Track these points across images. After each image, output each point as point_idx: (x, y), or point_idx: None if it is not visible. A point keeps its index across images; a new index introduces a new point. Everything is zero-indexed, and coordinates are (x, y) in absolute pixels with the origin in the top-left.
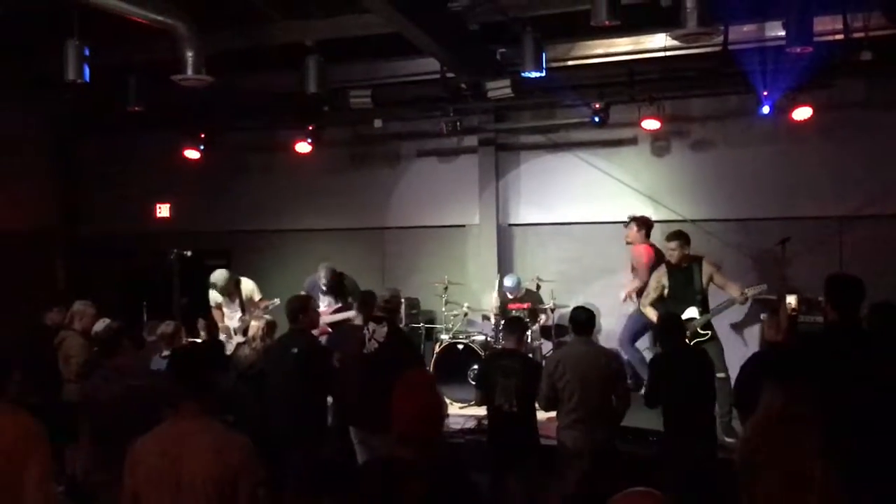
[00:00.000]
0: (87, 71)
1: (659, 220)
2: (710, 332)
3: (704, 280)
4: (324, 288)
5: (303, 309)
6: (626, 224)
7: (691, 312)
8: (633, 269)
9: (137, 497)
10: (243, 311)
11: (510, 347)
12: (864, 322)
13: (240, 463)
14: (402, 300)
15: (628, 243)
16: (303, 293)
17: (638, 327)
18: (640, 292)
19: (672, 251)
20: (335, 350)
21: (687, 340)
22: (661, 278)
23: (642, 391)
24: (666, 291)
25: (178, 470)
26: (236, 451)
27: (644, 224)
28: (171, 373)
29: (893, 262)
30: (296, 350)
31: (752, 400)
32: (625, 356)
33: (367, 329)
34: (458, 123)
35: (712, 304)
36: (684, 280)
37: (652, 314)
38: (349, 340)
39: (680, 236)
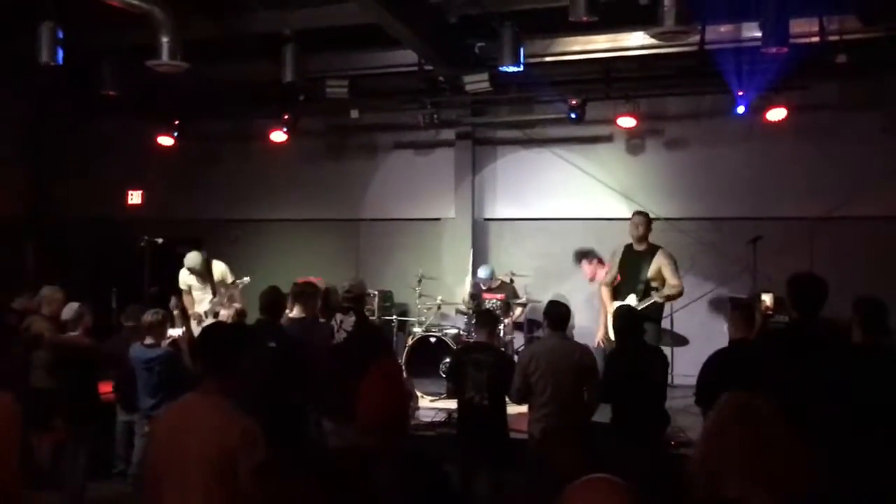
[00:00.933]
0: (60, 53)
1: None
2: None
3: (652, 270)
4: None
5: (281, 301)
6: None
7: (630, 300)
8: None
9: (152, 467)
10: (214, 293)
11: (482, 341)
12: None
13: (239, 443)
14: (370, 290)
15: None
16: (275, 285)
17: None
18: None
19: (637, 225)
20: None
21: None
22: (616, 258)
23: None
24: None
25: (182, 444)
26: (236, 432)
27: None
28: (196, 349)
29: (863, 263)
30: (273, 344)
31: (711, 396)
32: None
33: (335, 320)
34: (436, 116)
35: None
36: (632, 265)
37: (605, 295)
38: (317, 332)
39: (646, 215)
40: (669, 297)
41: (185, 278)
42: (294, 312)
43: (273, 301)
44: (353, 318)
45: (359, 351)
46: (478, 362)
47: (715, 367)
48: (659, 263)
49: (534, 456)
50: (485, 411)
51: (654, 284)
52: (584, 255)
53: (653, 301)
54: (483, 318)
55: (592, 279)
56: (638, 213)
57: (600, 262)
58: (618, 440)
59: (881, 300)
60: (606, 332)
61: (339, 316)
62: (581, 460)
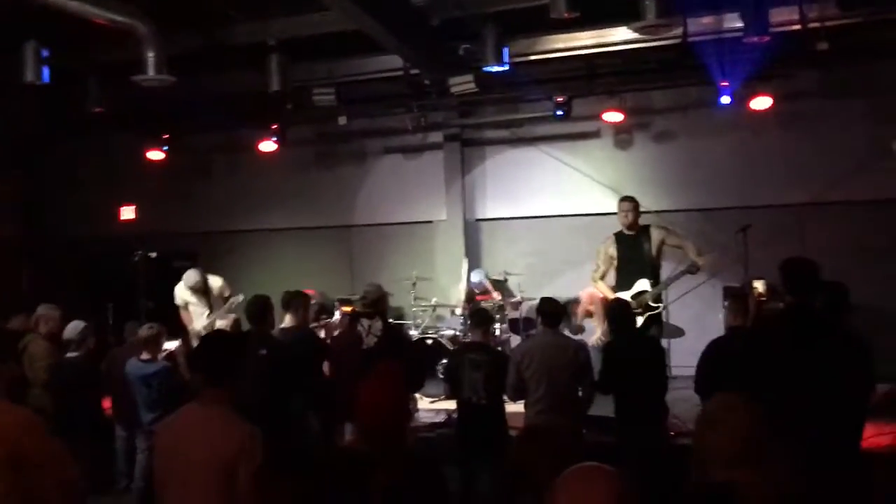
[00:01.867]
0: (45, 72)
1: None
2: (660, 305)
3: (654, 247)
4: None
5: (268, 309)
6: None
7: (642, 285)
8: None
9: (158, 479)
10: (211, 308)
11: (477, 340)
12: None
13: (240, 449)
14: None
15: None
16: (264, 294)
17: None
18: None
19: (623, 212)
20: (329, 348)
21: (639, 312)
22: (608, 249)
23: None
24: (615, 263)
25: (185, 452)
26: (237, 438)
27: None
28: (194, 360)
29: (853, 247)
30: (264, 352)
31: (711, 384)
32: None
33: (362, 325)
34: (423, 119)
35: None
36: (633, 249)
37: (602, 288)
38: (344, 337)
39: (632, 199)
40: (691, 268)
41: (183, 295)
42: (285, 322)
43: (259, 310)
44: (380, 323)
45: (391, 354)
46: (474, 362)
47: (713, 355)
48: (660, 237)
49: (513, 456)
50: (483, 411)
51: (657, 263)
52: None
53: (671, 277)
54: (477, 317)
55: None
56: (626, 199)
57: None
58: (618, 432)
59: (807, 259)
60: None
61: (365, 321)
62: (556, 463)
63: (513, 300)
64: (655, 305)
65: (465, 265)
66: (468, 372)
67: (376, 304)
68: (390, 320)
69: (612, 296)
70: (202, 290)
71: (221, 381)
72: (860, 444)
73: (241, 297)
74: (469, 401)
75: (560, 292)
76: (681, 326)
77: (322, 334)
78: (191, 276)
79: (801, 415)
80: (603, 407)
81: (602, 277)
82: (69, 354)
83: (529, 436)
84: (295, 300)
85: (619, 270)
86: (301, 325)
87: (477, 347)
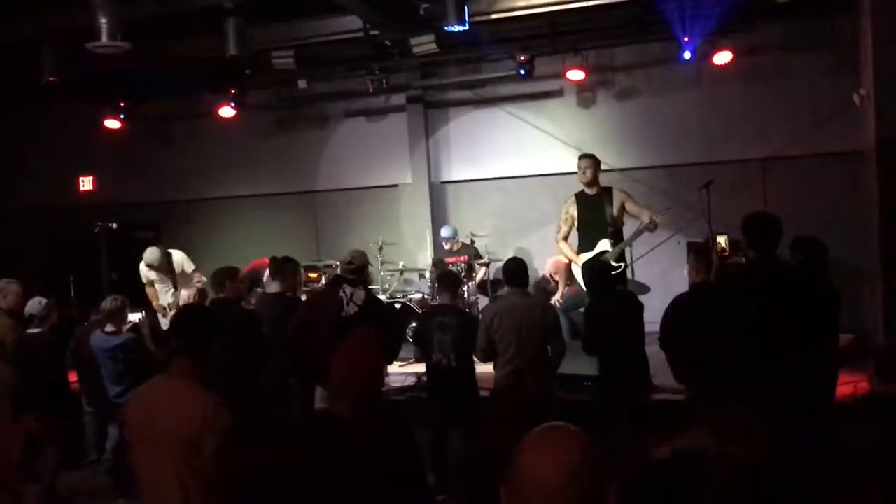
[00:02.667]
0: None
1: None
2: (623, 264)
3: (615, 209)
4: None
5: (230, 277)
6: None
7: (603, 245)
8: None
9: (132, 452)
10: (175, 285)
11: (445, 303)
12: (789, 256)
13: (203, 419)
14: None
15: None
16: (232, 265)
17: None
18: None
19: (581, 169)
20: (308, 312)
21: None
22: (569, 209)
23: None
24: (576, 223)
25: (152, 423)
26: (201, 408)
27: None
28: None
29: (815, 200)
30: (223, 319)
31: (675, 340)
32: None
33: (344, 292)
34: (385, 81)
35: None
36: (594, 210)
37: (566, 249)
38: (324, 302)
39: (592, 157)
40: (648, 226)
41: (145, 272)
42: (272, 288)
43: (220, 278)
44: (362, 292)
45: (371, 324)
46: (442, 325)
47: (678, 310)
48: (620, 200)
49: (490, 411)
50: (453, 373)
51: (619, 224)
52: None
53: (632, 236)
54: (444, 280)
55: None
56: (584, 156)
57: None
58: (602, 389)
59: (769, 213)
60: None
61: (348, 289)
62: (529, 423)
63: (480, 261)
64: (618, 265)
65: (430, 231)
66: (437, 335)
67: (361, 271)
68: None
69: (575, 258)
70: (164, 268)
71: (194, 354)
72: (835, 394)
73: (204, 279)
74: (439, 363)
75: (526, 252)
76: (646, 283)
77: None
78: (149, 253)
79: (773, 369)
80: (572, 366)
81: (565, 238)
82: (31, 330)
83: (501, 397)
84: (284, 266)
85: (580, 231)
86: (286, 291)
87: (445, 310)
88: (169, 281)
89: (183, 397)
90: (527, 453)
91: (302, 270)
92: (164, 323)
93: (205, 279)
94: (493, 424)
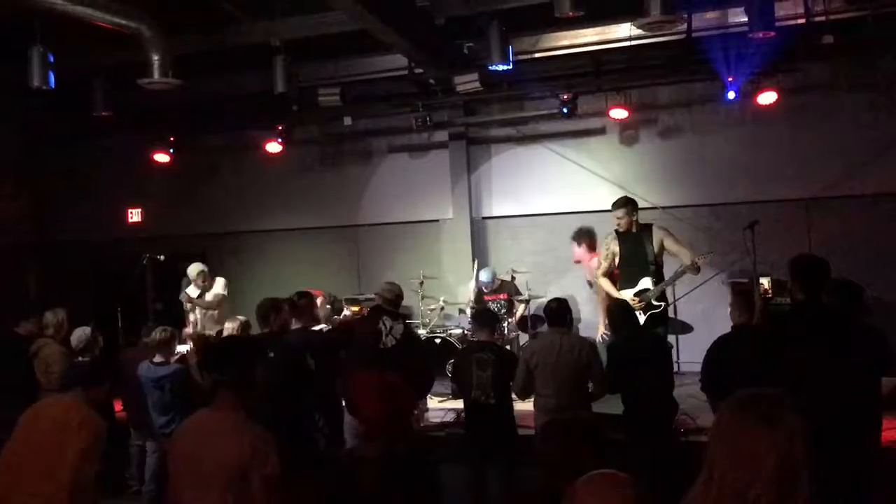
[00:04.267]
0: (51, 77)
1: None
2: (663, 303)
3: (656, 247)
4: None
5: (274, 310)
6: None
7: (645, 283)
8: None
9: (173, 486)
10: (208, 307)
11: (484, 339)
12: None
13: (251, 454)
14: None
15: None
16: (273, 297)
17: None
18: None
19: (619, 219)
20: (348, 342)
21: (641, 309)
22: (610, 245)
23: None
24: (617, 260)
25: (198, 455)
26: (248, 443)
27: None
28: (207, 364)
29: (860, 241)
30: (271, 354)
31: (716, 382)
32: None
33: (384, 324)
34: (428, 118)
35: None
36: (635, 246)
37: (606, 285)
38: (364, 333)
39: (627, 203)
40: (690, 268)
41: (188, 289)
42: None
43: (262, 313)
44: (401, 326)
45: (407, 360)
46: (481, 361)
47: (719, 351)
48: (660, 237)
49: (536, 452)
50: (491, 410)
51: (660, 261)
52: (582, 235)
53: (674, 276)
54: (481, 317)
55: (579, 262)
56: (619, 205)
57: (590, 247)
58: (627, 431)
59: (818, 257)
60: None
61: (388, 321)
62: (580, 454)
63: (520, 298)
64: (658, 304)
65: (475, 265)
66: (476, 371)
67: (398, 303)
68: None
69: (615, 293)
70: (205, 285)
71: (236, 386)
72: (880, 439)
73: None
74: (477, 400)
75: (567, 290)
76: (689, 323)
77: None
78: (193, 267)
79: (818, 414)
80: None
81: (605, 274)
82: (80, 359)
83: (552, 429)
84: (298, 303)
85: (621, 267)
86: (306, 325)
87: (483, 346)
88: (205, 302)
89: (229, 431)
90: (578, 499)
91: (328, 302)
92: (182, 349)
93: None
94: (543, 466)
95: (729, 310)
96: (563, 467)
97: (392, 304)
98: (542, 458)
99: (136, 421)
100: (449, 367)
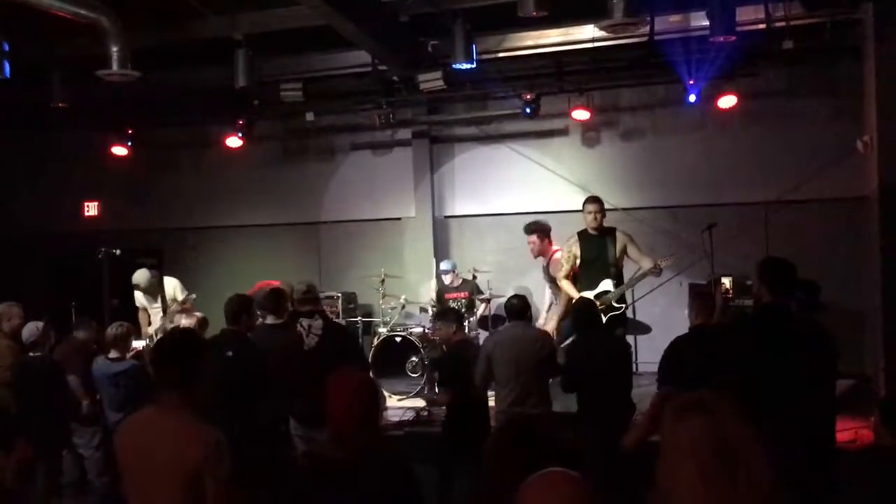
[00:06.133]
0: (6, 67)
1: None
2: (624, 305)
3: (618, 250)
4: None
5: (245, 310)
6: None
7: (606, 285)
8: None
9: (124, 483)
10: (164, 311)
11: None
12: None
13: (204, 456)
14: (334, 293)
15: (539, 256)
16: (244, 293)
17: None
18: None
19: (591, 213)
20: (270, 349)
21: (602, 311)
22: (572, 247)
23: None
24: (578, 262)
25: (148, 458)
26: (201, 445)
27: (545, 231)
28: (153, 361)
29: (817, 245)
30: (230, 353)
31: (671, 382)
32: None
33: (301, 325)
34: (392, 116)
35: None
36: (597, 249)
37: (568, 287)
38: (285, 337)
39: (599, 200)
40: (652, 271)
41: (137, 296)
42: (269, 319)
43: (232, 310)
44: (319, 322)
45: (335, 353)
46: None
47: (676, 351)
48: (623, 242)
49: (486, 452)
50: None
51: (620, 265)
52: (533, 227)
53: (635, 278)
54: (448, 315)
55: (537, 257)
56: (593, 199)
57: (543, 236)
58: (581, 430)
59: (786, 260)
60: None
61: (304, 321)
62: (519, 454)
63: (481, 297)
64: (619, 306)
65: (434, 265)
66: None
67: (316, 300)
68: (357, 319)
69: (576, 296)
70: (154, 291)
71: (179, 384)
72: (835, 440)
73: (193, 296)
74: (478, 397)
75: (528, 289)
76: (647, 324)
77: None
78: (138, 275)
79: (777, 415)
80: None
81: (567, 277)
82: (32, 354)
83: (507, 428)
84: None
85: (582, 269)
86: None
87: (468, 344)
88: (159, 306)
89: (177, 432)
90: (527, 499)
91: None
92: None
93: (192, 295)
94: (491, 467)
95: (686, 311)
96: (505, 468)
97: (304, 303)
98: (485, 460)
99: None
100: (409, 366)
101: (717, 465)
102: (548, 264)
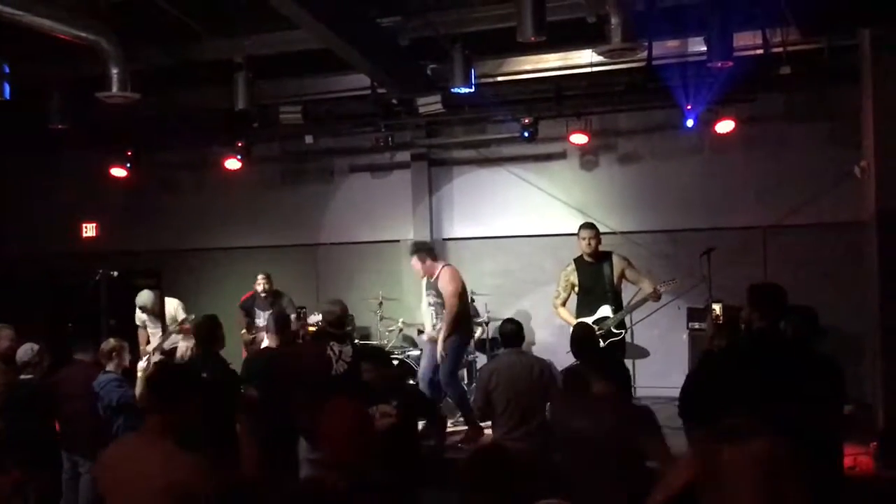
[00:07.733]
0: (6, 89)
1: None
2: (623, 331)
3: (616, 275)
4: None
5: (215, 330)
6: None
7: (604, 311)
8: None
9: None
10: (164, 331)
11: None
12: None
13: (185, 482)
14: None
15: (426, 277)
16: (212, 314)
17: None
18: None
19: (586, 240)
20: (299, 372)
21: (601, 336)
22: (569, 276)
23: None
24: (576, 289)
25: (130, 483)
26: (182, 471)
27: (428, 250)
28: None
29: (815, 270)
30: (205, 375)
31: (694, 409)
32: (447, 391)
33: (332, 350)
34: (391, 139)
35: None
36: (594, 276)
37: (566, 315)
38: (313, 361)
39: (593, 227)
40: (652, 296)
41: (138, 314)
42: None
43: (206, 332)
44: (349, 348)
45: (361, 386)
46: None
47: (701, 378)
48: (621, 267)
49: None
50: None
51: (618, 289)
52: (418, 248)
53: (633, 304)
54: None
55: (423, 278)
56: (588, 226)
57: (434, 259)
58: None
59: (776, 284)
60: None
61: (336, 346)
62: (502, 485)
63: (478, 320)
64: (618, 332)
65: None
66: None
67: (344, 323)
68: (355, 342)
69: (573, 322)
70: (156, 312)
71: (167, 413)
72: (842, 468)
73: (192, 317)
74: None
75: (526, 313)
76: (645, 347)
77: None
78: (143, 296)
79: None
80: None
81: (563, 304)
82: (24, 376)
83: (475, 465)
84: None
85: (580, 296)
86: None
87: None
88: (158, 326)
89: (159, 459)
90: None
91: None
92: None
93: (192, 316)
94: (466, 494)
95: (686, 334)
96: (487, 498)
97: (336, 325)
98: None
99: (69, 444)
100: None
101: (769, 486)
102: (435, 280)
